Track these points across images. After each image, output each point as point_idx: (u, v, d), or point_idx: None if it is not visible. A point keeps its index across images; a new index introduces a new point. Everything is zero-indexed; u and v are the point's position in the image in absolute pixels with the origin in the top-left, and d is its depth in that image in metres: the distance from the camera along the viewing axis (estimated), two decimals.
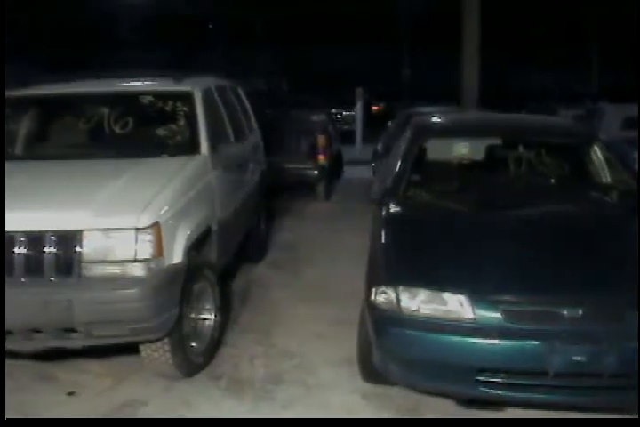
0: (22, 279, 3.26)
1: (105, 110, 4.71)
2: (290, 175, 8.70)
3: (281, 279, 5.77)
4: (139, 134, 4.65)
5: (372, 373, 3.64)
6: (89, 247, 3.26)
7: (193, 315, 3.86)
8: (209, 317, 4.02)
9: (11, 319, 3.19)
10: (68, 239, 3.26)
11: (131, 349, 3.71)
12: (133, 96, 4.83)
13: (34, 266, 3.26)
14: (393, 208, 4.04)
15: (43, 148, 4.68)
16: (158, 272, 3.33)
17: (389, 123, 13.10)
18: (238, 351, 4.24)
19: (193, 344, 3.83)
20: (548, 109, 13.68)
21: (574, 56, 26.07)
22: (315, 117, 10.00)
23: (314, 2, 24.86)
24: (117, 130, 4.60)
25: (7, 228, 3.27)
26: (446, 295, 3.16)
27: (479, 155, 4.83)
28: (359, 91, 14.40)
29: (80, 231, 3.27)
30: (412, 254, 3.51)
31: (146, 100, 4.77)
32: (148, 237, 3.29)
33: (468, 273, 3.28)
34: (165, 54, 27.19)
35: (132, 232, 3.28)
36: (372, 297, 3.35)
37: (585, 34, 26.49)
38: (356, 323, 4.68)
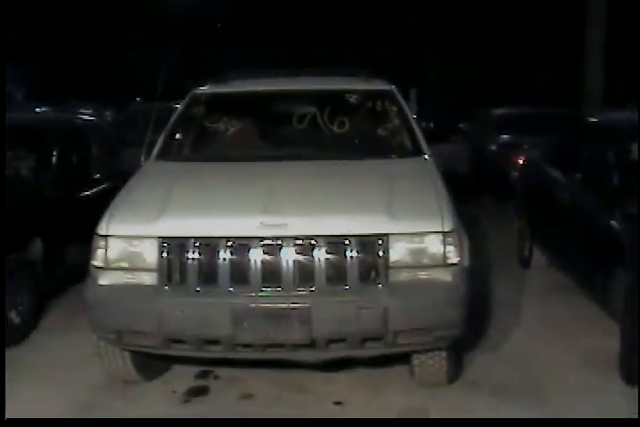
0: (325, 287, 3.13)
1: (312, 109, 4.50)
2: None
3: None
4: (359, 134, 4.48)
5: None
6: (395, 252, 3.16)
7: None
8: None
9: (320, 329, 3.08)
10: (373, 244, 3.15)
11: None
12: (340, 95, 4.65)
13: (336, 272, 3.14)
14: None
15: (262, 148, 4.44)
16: (462, 277, 3.24)
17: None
18: (468, 356, 4.15)
19: None
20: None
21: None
22: None
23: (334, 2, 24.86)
24: (336, 129, 4.43)
25: (305, 233, 3.15)
26: None
27: None
28: (413, 92, 14.29)
29: (385, 236, 3.16)
30: None
31: (353, 98, 4.62)
32: (453, 241, 3.21)
33: None
34: (170, 54, 26.88)
35: (440, 236, 3.19)
36: None
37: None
38: (556, 321, 4.66)
